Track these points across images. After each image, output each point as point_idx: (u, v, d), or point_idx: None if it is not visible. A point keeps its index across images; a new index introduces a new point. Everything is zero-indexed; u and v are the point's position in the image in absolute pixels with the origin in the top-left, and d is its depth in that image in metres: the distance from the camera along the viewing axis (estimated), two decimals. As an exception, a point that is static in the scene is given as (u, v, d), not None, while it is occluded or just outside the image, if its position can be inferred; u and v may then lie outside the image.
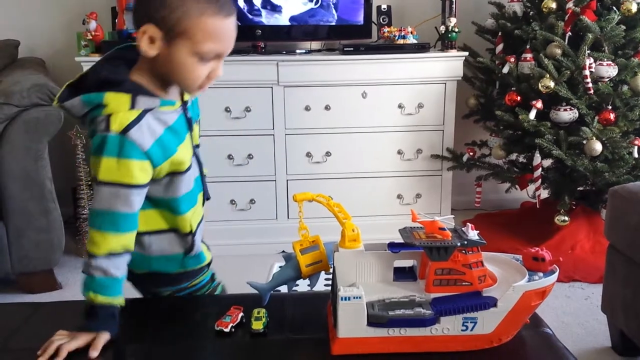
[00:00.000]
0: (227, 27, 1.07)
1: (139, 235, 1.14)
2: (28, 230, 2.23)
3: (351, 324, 0.97)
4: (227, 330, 1.06)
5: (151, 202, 1.15)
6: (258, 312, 1.09)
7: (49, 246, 2.28)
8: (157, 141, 1.08)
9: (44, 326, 1.15)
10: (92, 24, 2.49)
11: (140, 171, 1.07)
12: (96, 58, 2.43)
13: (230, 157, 2.58)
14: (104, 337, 1.02)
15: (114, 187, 1.05)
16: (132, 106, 1.06)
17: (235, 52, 2.57)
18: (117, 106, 1.05)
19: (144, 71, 1.12)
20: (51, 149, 2.27)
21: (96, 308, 1.05)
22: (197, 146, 1.24)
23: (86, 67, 2.49)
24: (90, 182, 2.48)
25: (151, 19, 1.04)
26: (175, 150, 1.12)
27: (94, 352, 1.00)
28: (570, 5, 2.38)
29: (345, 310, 0.96)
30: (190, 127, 1.19)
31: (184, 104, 1.18)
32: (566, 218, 2.48)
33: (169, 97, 1.14)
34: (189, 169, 1.17)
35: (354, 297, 0.96)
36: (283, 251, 2.56)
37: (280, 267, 1.16)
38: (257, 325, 1.06)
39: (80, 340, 1.01)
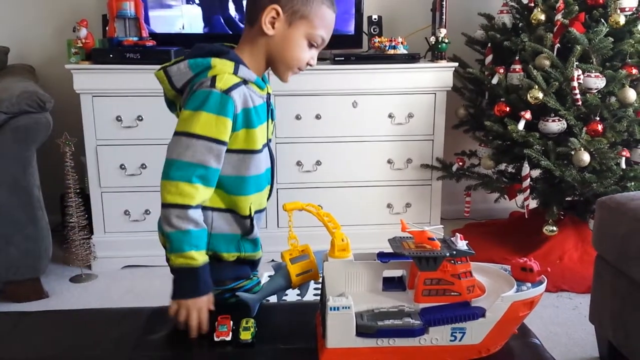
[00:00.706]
0: (334, 20, 1.24)
1: (203, 209, 1.16)
2: (15, 238, 2.21)
3: (340, 334, 0.97)
4: (228, 339, 1.05)
5: (221, 181, 1.18)
6: (246, 322, 1.09)
7: (36, 254, 2.26)
8: (244, 110, 1.16)
9: (29, 336, 1.14)
10: (83, 32, 2.49)
11: (228, 130, 1.14)
12: (86, 65, 2.45)
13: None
14: (209, 301, 1.10)
15: (209, 142, 1.12)
16: (235, 72, 1.16)
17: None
18: (223, 69, 1.15)
19: (244, 51, 1.23)
20: (39, 157, 2.26)
21: (198, 270, 1.10)
22: (270, 140, 1.31)
23: (76, 75, 2.53)
24: (77, 191, 2.47)
25: (277, 1, 1.18)
26: (254, 126, 1.19)
27: (206, 327, 1.09)
28: (559, 17, 2.40)
29: (334, 320, 0.96)
30: (271, 117, 1.29)
31: (268, 94, 1.27)
32: (554, 228, 2.49)
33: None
34: (260, 151, 1.22)
35: (343, 307, 0.96)
36: (272, 260, 2.55)
37: (269, 276, 1.15)
38: (246, 336, 1.06)
39: (202, 312, 1.09)
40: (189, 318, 1.09)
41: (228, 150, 1.16)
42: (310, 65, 1.25)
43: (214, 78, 1.13)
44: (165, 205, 1.11)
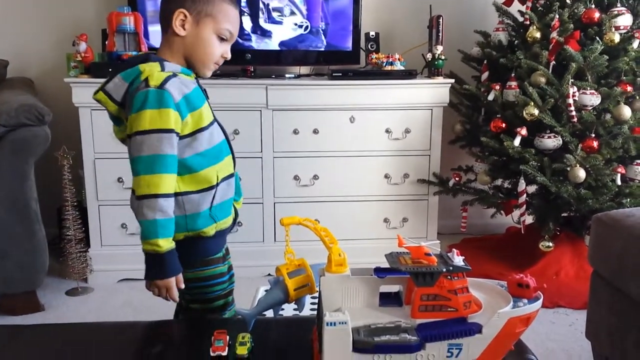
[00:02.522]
0: (237, 15, 1.40)
1: (175, 196, 1.28)
2: (12, 251, 2.21)
3: (336, 350, 0.97)
4: (224, 354, 1.05)
5: (185, 165, 1.30)
6: (243, 337, 1.08)
7: (32, 267, 2.26)
8: (184, 97, 1.28)
9: (25, 350, 1.14)
10: (82, 46, 2.50)
11: (175, 119, 1.25)
12: (85, 79, 2.46)
13: (217, 179, 2.58)
14: (177, 280, 1.26)
15: (159, 133, 1.23)
16: (162, 69, 1.29)
17: (225, 75, 2.59)
18: (151, 70, 1.28)
19: (165, 54, 1.36)
20: (37, 170, 2.26)
21: (164, 256, 1.24)
22: (215, 118, 1.41)
23: (75, 88, 2.53)
24: (75, 204, 2.47)
25: (183, 5, 1.33)
26: (198, 106, 1.31)
27: (176, 296, 1.27)
28: (554, 35, 2.43)
29: (330, 336, 0.96)
30: (206, 97, 1.40)
31: (196, 79, 1.39)
32: (550, 244, 2.50)
33: None
34: (208, 127, 1.34)
35: (339, 323, 0.96)
36: (269, 274, 2.55)
37: (266, 291, 1.15)
38: (242, 351, 1.06)
39: (163, 289, 1.27)
40: (159, 294, 1.27)
41: (183, 137, 1.28)
42: (225, 58, 1.39)
43: (146, 79, 1.26)
44: (137, 198, 1.24)
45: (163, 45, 1.39)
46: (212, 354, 1.06)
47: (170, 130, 1.25)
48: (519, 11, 2.73)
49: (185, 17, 1.33)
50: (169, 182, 1.25)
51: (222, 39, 1.37)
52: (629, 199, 2.38)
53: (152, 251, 1.25)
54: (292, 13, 2.71)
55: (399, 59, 2.70)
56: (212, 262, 1.40)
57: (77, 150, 2.48)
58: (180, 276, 1.28)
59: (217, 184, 1.36)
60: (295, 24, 2.72)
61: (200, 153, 1.32)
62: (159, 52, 1.39)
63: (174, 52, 1.36)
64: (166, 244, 1.24)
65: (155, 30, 2.67)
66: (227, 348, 1.06)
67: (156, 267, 1.25)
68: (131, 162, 1.26)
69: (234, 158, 1.44)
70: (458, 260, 1.01)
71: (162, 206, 1.23)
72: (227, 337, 1.08)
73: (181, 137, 1.29)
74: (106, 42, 2.55)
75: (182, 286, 1.27)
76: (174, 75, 1.29)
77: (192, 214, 1.33)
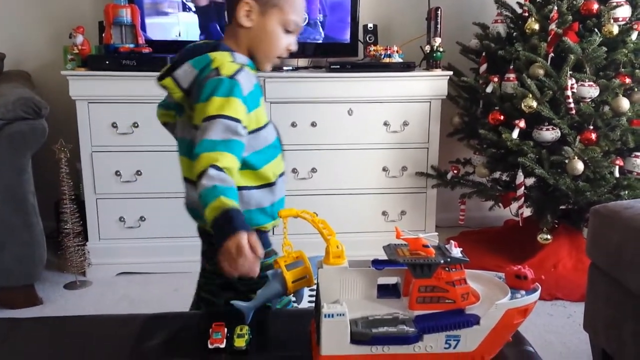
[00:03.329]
0: (304, 5, 1.39)
1: (241, 189, 1.24)
2: (10, 244, 2.21)
3: (334, 342, 0.97)
4: (222, 346, 1.05)
5: (246, 162, 1.26)
6: (240, 329, 1.08)
7: (30, 261, 2.26)
8: (251, 92, 1.25)
9: (22, 343, 1.13)
10: (79, 38, 2.49)
11: (242, 110, 1.21)
12: (82, 72, 2.45)
13: (215, 172, 2.57)
14: (253, 234, 1.03)
15: (225, 120, 1.17)
16: (233, 60, 1.26)
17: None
18: (222, 59, 1.25)
19: (230, 44, 1.32)
20: (35, 163, 2.25)
21: (231, 212, 1.04)
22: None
23: (72, 81, 2.52)
24: (72, 197, 2.46)
25: None
26: (260, 104, 1.30)
27: (261, 250, 1.02)
28: (552, 26, 2.42)
29: (328, 328, 0.96)
30: (264, 93, 1.39)
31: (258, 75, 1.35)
32: (548, 236, 2.50)
33: None
34: (267, 125, 1.33)
35: (337, 314, 0.96)
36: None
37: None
38: (240, 343, 1.06)
39: (251, 239, 1.01)
40: (240, 253, 0.99)
41: (248, 133, 1.23)
42: (290, 50, 1.35)
43: (217, 68, 1.23)
44: (197, 177, 1.11)
45: (228, 37, 1.35)
46: (210, 346, 1.06)
47: (236, 119, 1.18)
48: (518, 3, 2.73)
49: (250, 8, 1.29)
50: (230, 160, 1.14)
51: (287, 31, 1.32)
52: (627, 191, 2.38)
53: (218, 213, 1.04)
54: (290, 5, 2.69)
55: (397, 51, 2.69)
56: (266, 255, 1.33)
57: (74, 143, 2.47)
58: (256, 238, 1.03)
59: (275, 182, 1.35)
60: (293, 16, 2.70)
61: (259, 151, 1.30)
62: (222, 43, 1.34)
63: (239, 44, 1.32)
64: (230, 202, 1.05)
65: (151, 23, 2.66)
66: (225, 340, 1.06)
67: (227, 226, 1.03)
68: (196, 145, 1.16)
69: (284, 157, 1.43)
70: (456, 252, 1.01)
71: (221, 176, 1.09)
72: (225, 330, 1.08)
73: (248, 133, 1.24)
74: (103, 35, 2.54)
75: (261, 253, 1.03)
76: (243, 67, 1.26)
77: (254, 209, 1.31)
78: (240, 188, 1.20)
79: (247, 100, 1.23)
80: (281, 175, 1.39)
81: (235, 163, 1.16)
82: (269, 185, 1.34)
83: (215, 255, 1.06)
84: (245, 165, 1.27)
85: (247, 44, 1.32)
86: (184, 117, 1.32)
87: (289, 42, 1.34)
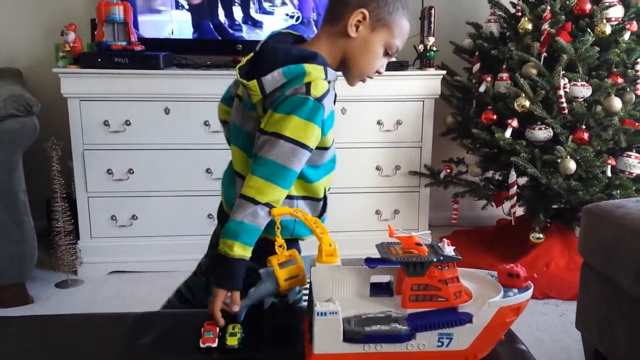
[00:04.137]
0: (408, 32, 1.30)
1: (289, 198, 1.22)
2: (0, 242, 2.19)
3: (327, 340, 0.96)
4: (214, 345, 1.05)
5: (301, 174, 1.21)
6: (233, 328, 1.08)
7: (21, 259, 2.24)
8: (329, 115, 1.21)
9: (12, 341, 1.13)
10: (71, 36, 2.47)
11: (316, 138, 1.17)
12: (74, 70, 2.44)
13: (208, 170, 2.57)
14: (237, 294, 1.11)
15: (295, 145, 1.14)
16: (325, 77, 1.18)
17: (216, 66, 2.57)
18: (316, 76, 1.16)
19: (322, 48, 1.25)
20: (26, 161, 2.24)
21: (234, 262, 1.10)
22: None
23: (64, 79, 2.50)
24: (64, 196, 2.45)
25: (366, 5, 1.22)
26: (333, 124, 1.24)
27: (236, 307, 1.10)
28: (545, 26, 2.43)
29: (321, 326, 0.96)
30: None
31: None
32: (541, 235, 2.50)
33: None
34: (333, 142, 1.28)
35: (330, 313, 0.96)
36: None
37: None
38: (232, 341, 1.05)
39: (219, 301, 1.10)
40: (213, 303, 1.10)
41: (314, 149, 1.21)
42: (379, 73, 1.31)
43: (308, 85, 1.15)
44: (241, 195, 1.14)
45: (323, 38, 1.27)
46: (201, 345, 1.05)
47: (307, 147, 1.15)
48: (511, 2, 2.73)
49: (363, 19, 1.23)
50: (279, 196, 1.15)
51: (387, 53, 1.28)
52: (619, 191, 2.39)
53: (223, 252, 1.12)
54: (283, 3, 2.69)
55: (390, 50, 2.68)
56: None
57: (66, 141, 2.46)
58: (236, 296, 1.11)
59: (325, 196, 1.31)
60: (287, 15, 2.70)
61: (318, 165, 1.26)
62: (315, 43, 1.27)
63: (333, 51, 1.26)
64: (240, 250, 1.11)
65: (144, 20, 2.65)
66: (216, 339, 1.06)
67: (221, 272, 1.13)
68: (254, 157, 1.17)
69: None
70: (449, 250, 1.01)
71: (257, 214, 1.12)
72: (217, 329, 1.08)
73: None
74: (95, 32, 2.53)
75: (235, 308, 1.11)
76: (330, 88, 1.19)
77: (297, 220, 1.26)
78: (290, 197, 1.23)
79: (325, 124, 1.19)
80: (329, 189, 1.36)
81: (282, 195, 1.16)
82: (318, 199, 1.30)
83: None
84: (300, 176, 1.22)
85: (343, 54, 1.26)
86: (253, 113, 1.24)
87: (382, 64, 1.30)
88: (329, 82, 1.19)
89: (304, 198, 1.27)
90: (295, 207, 1.25)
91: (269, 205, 1.13)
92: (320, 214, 1.32)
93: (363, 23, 1.23)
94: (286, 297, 1.16)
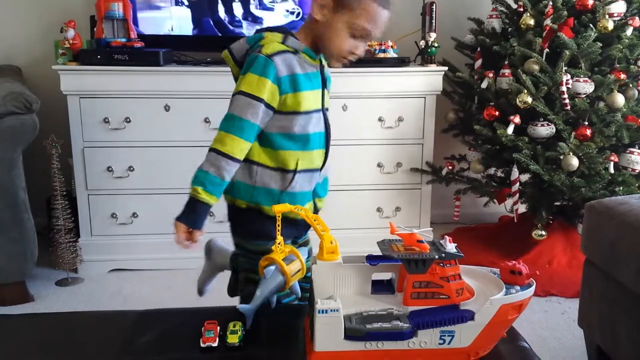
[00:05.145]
0: (381, 15, 1.32)
1: (251, 163, 1.34)
2: (0, 240, 2.18)
3: (328, 338, 0.96)
4: (215, 345, 1.04)
5: (269, 140, 1.33)
6: (234, 326, 1.07)
7: (21, 257, 2.23)
8: (290, 75, 1.30)
9: (12, 339, 1.12)
10: (70, 32, 2.46)
11: (270, 92, 1.28)
12: (74, 67, 2.43)
13: (209, 168, 2.55)
14: (198, 234, 1.28)
15: (249, 98, 1.28)
16: (283, 42, 1.32)
17: (216, 63, 2.56)
18: (271, 39, 1.32)
19: (300, 32, 1.37)
20: (25, 158, 2.23)
21: (198, 204, 1.26)
22: (327, 109, 1.42)
23: (63, 76, 2.50)
24: (64, 193, 2.44)
25: None
26: (302, 89, 1.31)
27: (194, 245, 1.29)
28: (547, 22, 2.41)
29: (322, 324, 0.95)
30: (324, 86, 1.39)
31: (321, 65, 1.39)
32: (543, 232, 2.50)
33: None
34: (306, 113, 1.33)
35: (331, 310, 0.95)
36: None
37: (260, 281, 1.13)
38: (233, 339, 1.05)
39: (181, 233, 1.27)
40: (176, 237, 1.29)
41: (277, 112, 1.31)
42: (355, 54, 1.35)
43: (262, 45, 1.30)
44: (209, 148, 1.30)
45: (302, 27, 1.39)
46: (202, 344, 1.04)
47: (260, 99, 1.28)
48: (513, -2, 2.72)
49: (325, 3, 1.30)
50: (239, 146, 1.28)
51: (356, 35, 1.32)
52: (621, 187, 2.37)
53: (191, 195, 1.27)
54: (284, -1, 2.68)
55: (391, 47, 2.68)
56: (265, 238, 1.33)
57: (65, 138, 2.45)
58: (198, 234, 1.29)
59: (295, 172, 1.34)
60: (287, 11, 2.69)
61: (287, 134, 1.33)
62: (297, 33, 1.38)
63: (308, 36, 1.35)
64: (206, 196, 1.26)
65: (144, 17, 2.64)
66: (217, 339, 1.05)
67: (186, 211, 1.28)
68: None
69: (326, 155, 1.42)
70: (450, 247, 1.00)
71: (221, 166, 1.27)
72: (218, 328, 1.07)
73: (275, 112, 1.31)
74: (95, 29, 2.52)
75: (192, 243, 1.29)
76: (291, 52, 1.31)
77: (261, 187, 1.34)
78: (253, 162, 1.34)
79: (282, 81, 1.28)
80: (310, 170, 1.38)
81: (240, 145, 1.28)
82: (286, 171, 1.34)
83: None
84: (267, 142, 1.33)
85: (313, 37, 1.35)
86: None
87: (355, 46, 1.33)
88: (295, 50, 1.32)
89: (270, 168, 1.34)
90: (255, 174, 1.34)
91: (229, 157, 1.27)
92: (286, 188, 1.35)
93: (326, 6, 1.30)
94: (291, 291, 1.15)
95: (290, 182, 1.34)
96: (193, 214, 1.27)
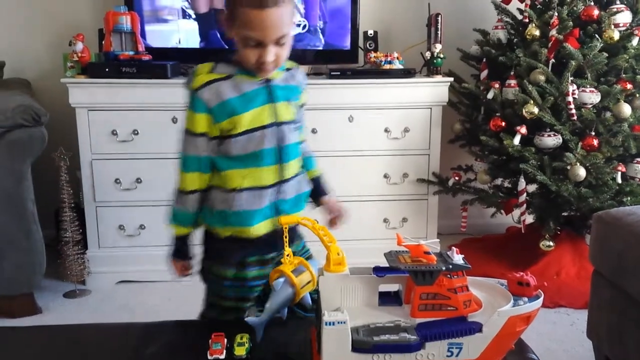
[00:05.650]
0: (262, 18, 1.23)
1: (209, 187, 1.37)
2: (9, 252, 2.19)
3: (335, 350, 0.96)
4: (222, 357, 1.04)
5: (215, 162, 1.34)
6: (241, 338, 1.07)
7: (29, 269, 2.24)
8: (221, 103, 1.29)
9: (20, 351, 1.12)
10: (79, 45, 2.48)
11: (205, 123, 1.31)
12: (82, 79, 2.45)
13: (216, 180, 2.57)
14: (191, 262, 1.41)
15: (187, 135, 1.33)
16: (212, 71, 1.32)
17: (222, 75, 2.57)
18: (200, 70, 1.32)
19: (237, 52, 1.33)
20: (34, 171, 2.25)
21: (175, 239, 1.39)
22: (290, 121, 1.37)
23: (72, 89, 2.52)
24: (72, 205, 2.46)
25: (225, 4, 1.32)
26: (237, 113, 1.30)
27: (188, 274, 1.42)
28: (553, 32, 2.42)
29: (329, 336, 0.95)
30: (271, 100, 1.34)
31: (268, 80, 1.34)
32: (551, 243, 2.48)
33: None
34: (248, 132, 1.31)
35: (338, 322, 0.95)
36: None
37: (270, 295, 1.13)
38: (240, 351, 1.05)
39: (175, 268, 1.42)
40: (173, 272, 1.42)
41: (214, 138, 1.32)
42: (263, 62, 1.27)
43: (192, 81, 1.31)
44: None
45: None
46: (209, 357, 1.04)
47: (191, 132, 1.32)
48: (518, 9, 2.72)
49: (225, 19, 1.30)
50: (190, 180, 1.35)
51: (253, 45, 1.26)
52: (629, 198, 2.37)
53: (172, 236, 1.40)
54: (290, 12, 2.69)
55: (397, 58, 2.69)
56: (212, 259, 1.40)
57: (74, 151, 2.47)
58: (191, 262, 1.41)
59: (236, 190, 1.32)
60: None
61: (229, 156, 1.33)
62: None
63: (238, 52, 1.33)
64: (176, 229, 1.38)
65: (151, 30, 2.66)
66: (224, 351, 1.05)
67: (172, 247, 1.40)
68: None
69: (282, 170, 1.35)
70: (458, 258, 1.00)
71: (179, 199, 1.37)
72: (225, 340, 1.07)
73: (213, 138, 1.32)
74: (103, 42, 2.54)
75: (189, 271, 1.41)
76: (222, 78, 1.30)
77: (213, 209, 1.36)
78: (211, 186, 1.36)
79: (215, 111, 1.29)
80: (258, 188, 1.33)
81: (195, 179, 1.35)
82: (228, 191, 1.33)
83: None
84: (215, 165, 1.35)
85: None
86: None
87: (258, 54, 1.27)
88: (228, 75, 1.31)
89: (218, 189, 1.36)
90: (210, 197, 1.37)
91: (183, 191, 1.36)
92: (231, 207, 1.34)
93: (225, 24, 1.30)
94: (301, 303, 1.15)
95: (234, 201, 1.32)
96: (173, 247, 1.41)
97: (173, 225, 1.39)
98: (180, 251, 1.40)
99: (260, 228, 1.34)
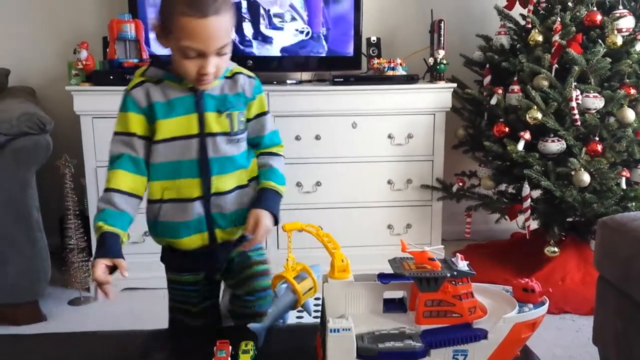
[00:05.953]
0: (203, 28, 1.17)
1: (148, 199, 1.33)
2: (14, 260, 2.20)
3: (340, 357, 0.95)
4: None
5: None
6: (245, 345, 1.07)
7: (34, 277, 2.24)
8: (149, 105, 1.27)
9: (25, 359, 1.12)
10: (83, 53, 2.50)
11: (137, 123, 1.27)
12: (87, 87, 2.46)
13: (219, 186, 2.57)
14: (122, 263, 1.21)
15: (116, 135, 1.29)
16: (143, 73, 1.30)
17: (226, 82, 2.58)
18: (136, 73, 1.32)
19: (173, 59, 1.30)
20: (39, 178, 2.25)
21: (102, 236, 1.20)
22: (222, 134, 1.30)
23: (76, 96, 2.52)
24: (77, 213, 2.46)
25: (158, 14, 1.26)
26: (159, 118, 1.26)
27: (125, 273, 1.21)
28: (556, 38, 2.42)
29: (334, 343, 0.95)
30: (199, 110, 1.28)
31: (196, 89, 1.28)
32: (556, 249, 2.48)
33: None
34: (169, 141, 1.27)
35: (343, 329, 0.95)
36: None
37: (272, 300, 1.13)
38: (245, 359, 1.05)
39: (98, 269, 1.18)
40: (92, 275, 1.23)
41: (148, 139, 1.28)
42: (203, 73, 1.21)
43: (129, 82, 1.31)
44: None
45: None
46: (214, 364, 1.04)
47: (127, 133, 1.28)
48: (521, 15, 2.72)
49: (156, 31, 1.25)
50: (120, 178, 1.26)
51: (191, 56, 1.20)
52: (634, 203, 2.36)
53: (97, 235, 1.23)
54: (293, 19, 2.70)
55: (400, 64, 2.69)
56: (167, 267, 1.45)
57: (79, 158, 2.47)
58: (95, 263, 1.20)
59: (161, 201, 1.31)
60: (297, 30, 2.71)
61: (152, 163, 1.29)
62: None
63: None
64: (105, 226, 1.21)
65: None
66: (229, 359, 1.05)
67: (97, 248, 1.22)
68: None
69: (209, 183, 1.29)
70: (462, 265, 1.00)
71: (110, 199, 1.24)
72: (230, 347, 1.07)
73: (146, 139, 1.29)
74: (107, 50, 2.55)
75: (121, 274, 1.23)
76: (152, 82, 1.28)
77: (149, 219, 1.36)
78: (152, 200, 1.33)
79: (146, 111, 1.27)
80: (181, 200, 1.30)
81: (123, 177, 1.26)
82: (153, 201, 1.33)
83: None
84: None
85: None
86: None
87: (199, 65, 1.20)
88: (158, 80, 1.27)
89: (148, 199, 1.34)
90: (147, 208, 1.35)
91: (114, 191, 1.25)
92: (156, 218, 1.33)
93: (158, 35, 1.25)
94: (303, 309, 1.15)
95: (159, 211, 1.32)
96: (97, 245, 1.22)
97: (99, 222, 1.22)
98: (99, 249, 1.20)
99: (192, 241, 1.32)
